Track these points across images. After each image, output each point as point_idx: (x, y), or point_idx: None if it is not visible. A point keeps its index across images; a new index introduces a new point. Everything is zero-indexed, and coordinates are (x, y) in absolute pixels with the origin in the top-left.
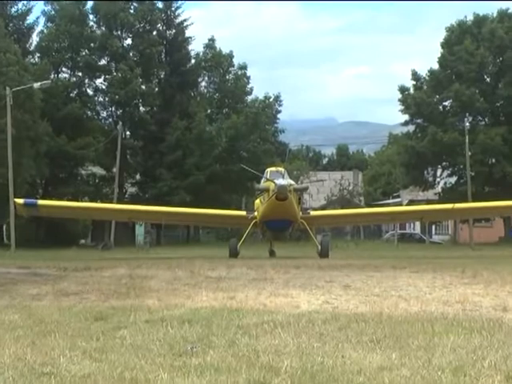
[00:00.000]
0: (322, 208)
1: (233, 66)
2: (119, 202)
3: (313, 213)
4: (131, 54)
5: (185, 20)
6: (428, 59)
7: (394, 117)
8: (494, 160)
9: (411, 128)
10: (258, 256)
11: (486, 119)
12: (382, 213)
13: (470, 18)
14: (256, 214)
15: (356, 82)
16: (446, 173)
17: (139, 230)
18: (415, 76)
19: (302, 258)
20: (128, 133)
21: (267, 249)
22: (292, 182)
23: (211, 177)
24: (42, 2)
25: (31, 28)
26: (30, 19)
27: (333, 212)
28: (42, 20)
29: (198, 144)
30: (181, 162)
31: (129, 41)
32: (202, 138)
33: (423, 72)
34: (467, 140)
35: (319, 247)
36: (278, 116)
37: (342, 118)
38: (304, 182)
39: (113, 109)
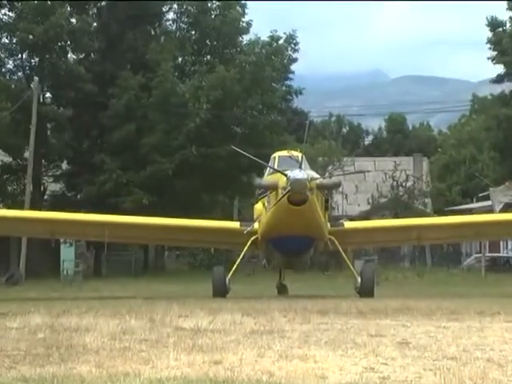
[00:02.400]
0: (364, 217)
1: None
2: (34, 206)
3: (348, 224)
4: None
5: None
6: None
7: (479, 69)
8: None
9: (508, 87)
10: (260, 294)
11: None
12: (461, 224)
13: None
14: (257, 226)
15: (415, 14)
16: None
17: (67, 253)
18: None
19: (332, 298)
20: (49, 95)
21: (275, 283)
22: (315, 175)
23: (183, 166)
24: None
25: None
26: None
27: (381, 223)
28: None
29: (163, 113)
30: (134, 142)
31: None
32: (169, 103)
33: None
34: None
35: (359, 280)
36: (293, 68)
37: (396, 71)
38: (334, 174)
39: (24, 56)
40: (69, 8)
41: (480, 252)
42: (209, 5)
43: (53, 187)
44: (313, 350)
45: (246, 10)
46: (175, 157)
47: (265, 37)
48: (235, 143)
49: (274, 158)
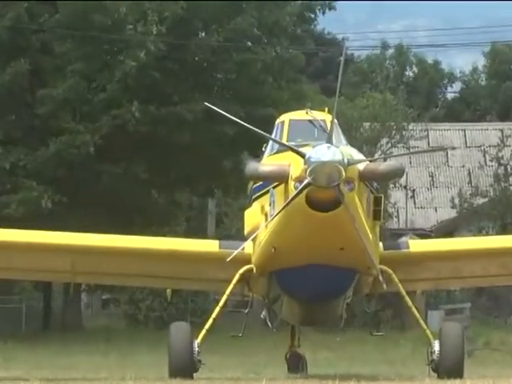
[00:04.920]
0: (447, 232)
1: None
2: None
3: (417, 245)
4: None
5: None
6: None
7: None
8: None
9: None
10: (256, 373)
11: None
12: None
13: None
14: (250, 247)
15: None
16: None
17: None
18: None
19: (387, 380)
20: None
21: (283, 352)
22: (355, 155)
23: (117, 140)
24: None
25: None
26: None
27: (476, 243)
28: None
29: (78, 42)
30: (26, 94)
31: None
32: (90, 24)
33: None
34: None
35: (436, 347)
36: None
37: None
38: (391, 153)
39: None
40: None
41: None
42: None
43: None
44: None
45: None
46: (101, 122)
47: None
48: (211, 98)
49: (282, 123)
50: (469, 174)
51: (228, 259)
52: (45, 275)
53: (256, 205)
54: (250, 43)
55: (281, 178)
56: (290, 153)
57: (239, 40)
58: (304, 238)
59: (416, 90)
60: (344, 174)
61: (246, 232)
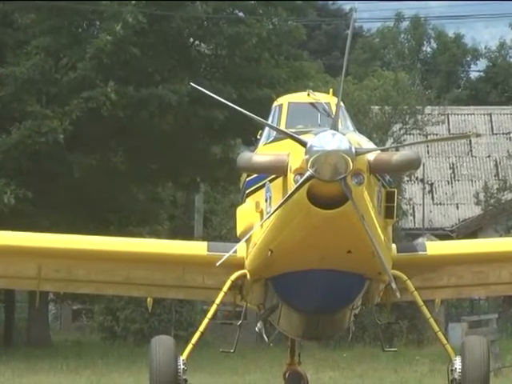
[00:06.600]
0: (471, 232)
1: None
2: None
3: (435, 248)
4: None
5: None
6: None
7: None
8: None
9: None
10: None
11: None
12: None
13: None
14: (243, 250)
15: None
16: None
17: None
18: None
19: None
20: None
21: (281, 370)
22: (364, 143)
23: (90, 126)
24: None
25: None
26: None
27: (504, 245)
28: None
29: (43, 11)
30: None
31: None
32: None
33: None
34: None
35: (457, 364)
36: None
37: None
38: (405, 141)
39: None
40: None
41: None
42: None
43: None
44: None
45: None
46: (72, 105)
47: None
48: (198, 77)
49: (280, 107)
50: (496, 165)
51: (218, 264)
52: (6, 282)
53: (250, 201)
54: (242, 14)
55: (278, 169)
56: (289, 141)
57: (230, 11)
58: (305, 239)
59: (434, 68)
60: (351, 165)
61: (238, 232)
